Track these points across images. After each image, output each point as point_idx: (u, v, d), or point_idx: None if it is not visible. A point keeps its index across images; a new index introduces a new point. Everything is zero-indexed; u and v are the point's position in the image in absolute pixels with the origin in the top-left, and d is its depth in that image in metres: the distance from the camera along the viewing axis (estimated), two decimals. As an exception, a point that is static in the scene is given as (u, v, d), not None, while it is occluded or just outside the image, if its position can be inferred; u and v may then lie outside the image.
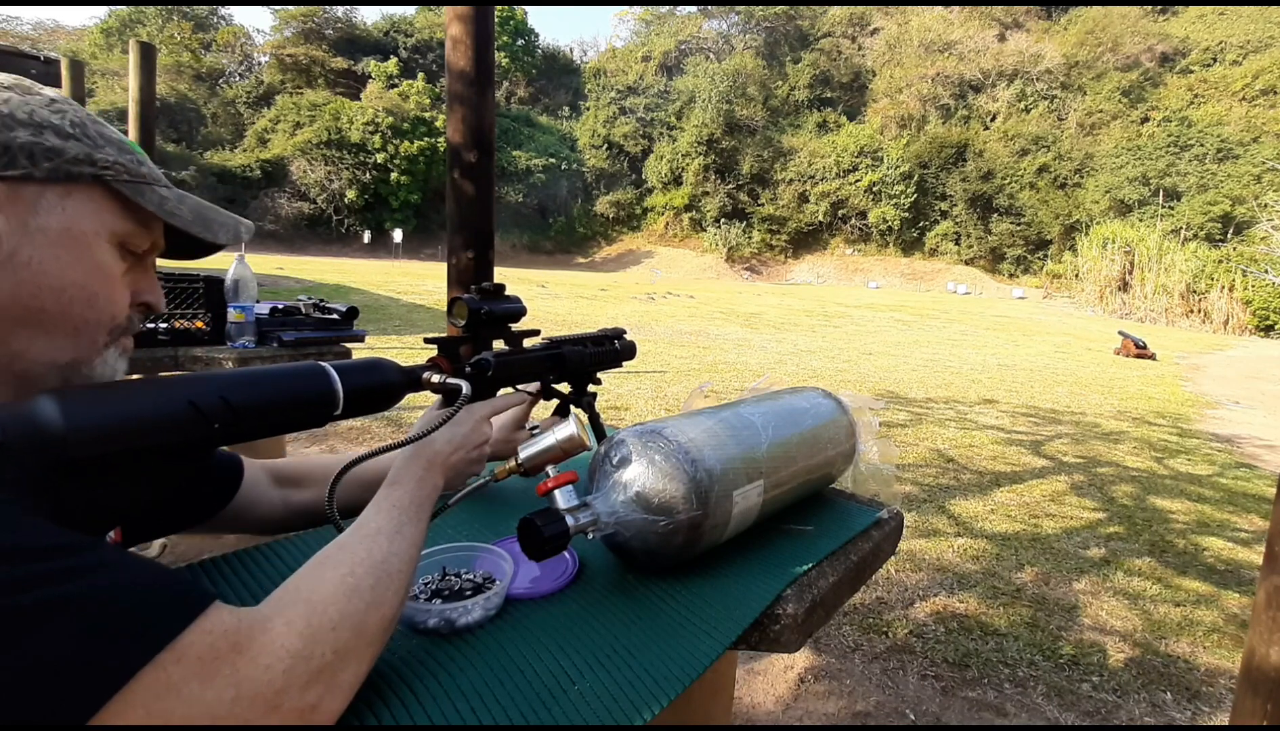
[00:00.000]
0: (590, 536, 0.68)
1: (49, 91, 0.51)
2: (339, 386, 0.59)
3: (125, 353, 0.55)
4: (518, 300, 0.85)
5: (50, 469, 0.43)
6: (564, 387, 1.01)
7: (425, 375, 0.70)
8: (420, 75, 37.62)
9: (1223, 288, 23.74)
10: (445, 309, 0.82)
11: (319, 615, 0.46)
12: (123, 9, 36.08)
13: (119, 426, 0.45)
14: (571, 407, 1.00)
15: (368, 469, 0.85)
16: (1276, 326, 22.66)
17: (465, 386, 0.71)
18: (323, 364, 0.59)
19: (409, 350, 6.95)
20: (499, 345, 0.85)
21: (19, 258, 0.46)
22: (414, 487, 0.62)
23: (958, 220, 36.27)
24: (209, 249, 0.62)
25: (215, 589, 0.67)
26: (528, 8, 46.06)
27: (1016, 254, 35.07)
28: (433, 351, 0.76)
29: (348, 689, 0.47)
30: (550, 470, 0.73)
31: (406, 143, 34.03)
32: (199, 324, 1.97)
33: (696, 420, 0.79)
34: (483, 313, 0.79)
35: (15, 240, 0.46)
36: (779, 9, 43.65)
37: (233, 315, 1.89)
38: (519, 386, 0.90)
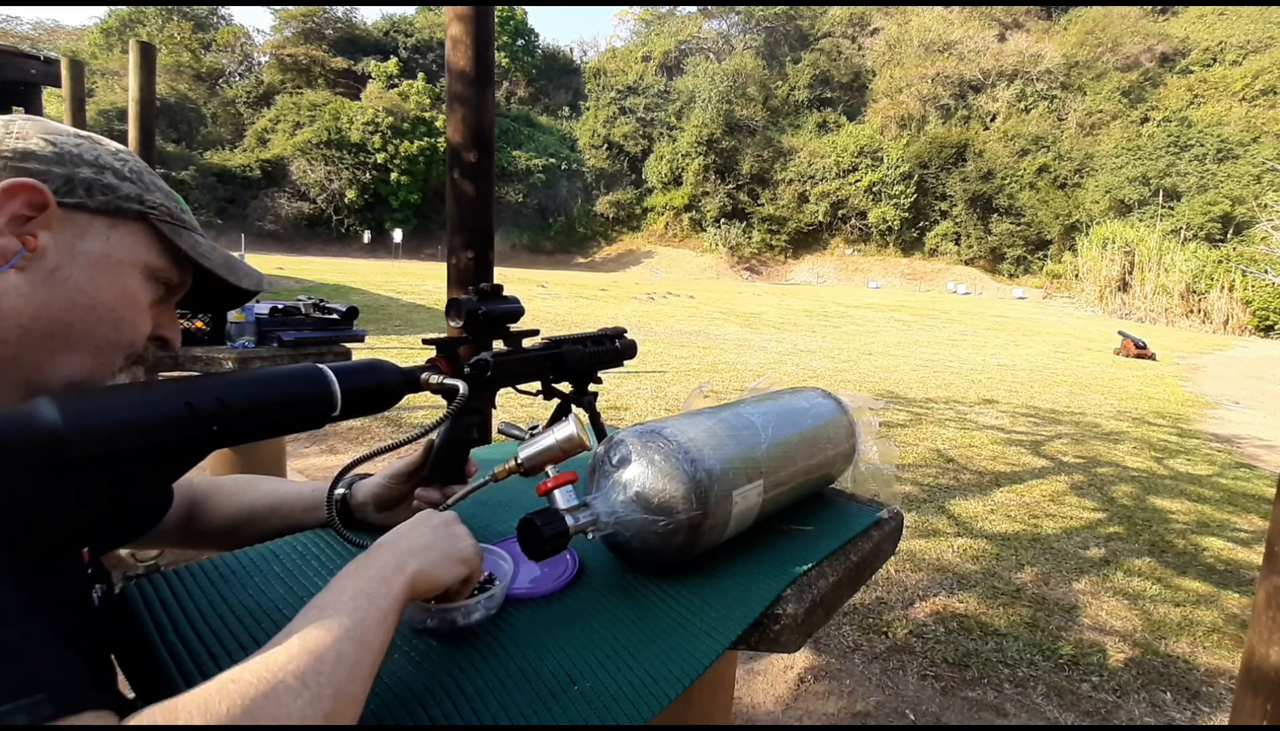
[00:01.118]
0: (590, 536, 0.68)
1: (115, 144, 0.57)
2: (336, 388, 0.59)
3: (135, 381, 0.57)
4: (516, 300, 0.85)
5: (47, 469, 0.43)
6: (565, 387, 1.01)
7: (424, 376, 0.71)
8: (420, 75, 37.62)
9: (1223, 288, 23.76)
10: (444, 310, 0.82)
11: None
12: (123, 9, 36.08)
13: (117, 427, 0.46)
14: (572, 407, 1.00)
15: (275, 490, 0.83)
16: (1276, 326, 22.67)
17: (462, 387, 0.71)
18: (320, 365, 0.60)
19: (409, 350, 6.96)
20: (498, 345, 0.85)
21: (59, 274, 0.50)
22: (353, 583, 0.50)
23: (958, 220, 36.27)
24: (229, 301, 0.67)
25: (207, 587, 0.67)
26: (528, 8, 46.07)
27: (1016, 254, 35.07)
28: (431, 352, 0.76)
29: None
30: (550, 470, 0.73)
31: (406, 143, 34.03)
32: (199, 324, 1.98)
33: (696, 420, 0.79)
34: (480, 313, 0.79)
35: (59, 258, 0.50)
36: (779, 9, 43.64)
37: (233, 315, 1.89)
38: (518, 387, 0.90)
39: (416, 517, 0.61)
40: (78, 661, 0.39)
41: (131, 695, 0.59)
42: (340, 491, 0.81)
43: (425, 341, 0.79)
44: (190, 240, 0.58)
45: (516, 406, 4.58)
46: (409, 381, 0.68)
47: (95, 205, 0.52)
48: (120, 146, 0.57)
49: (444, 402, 0.73)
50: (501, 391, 0.87)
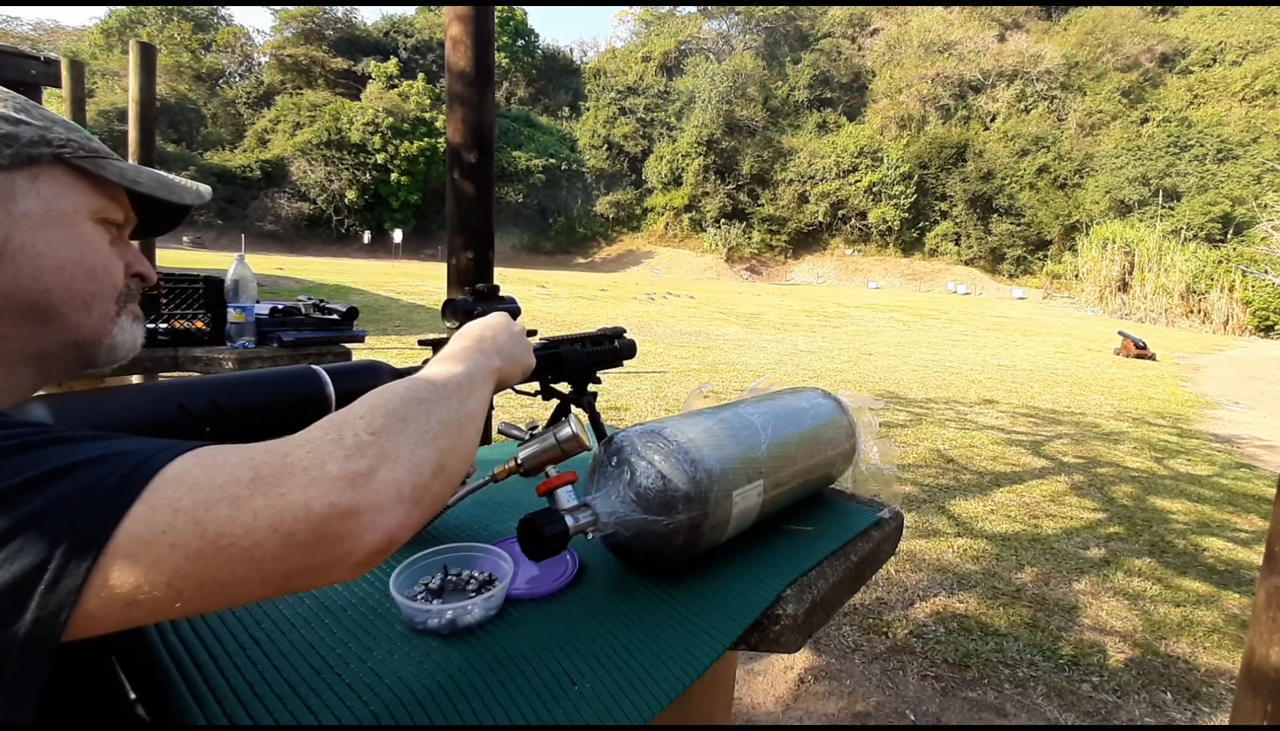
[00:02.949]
0: (590, 536, 0.68)
1: None
2: (331, 389, 0.59)
3: (137, 319, 0.57)
4: (513, 300, 0.85)
5: None
6: (564, 387, 1.00)
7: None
8: (420, 75, 37.63)
9: (1222, 288, 23.76)
10: (440, 309, 0.82)
11: (343, 416, 0.44)
12: (123, 9, 36.09)
13: (110, 428, 0.45)
14: (571, 407, 1.00)
15: None
16: (1276, 327, 22.67)
17: None
18: (314, 366, 0.60)
19: (409, 351, 6.96)
20: None
21: (13, 244, 0.47)
22: (459, 353, 0.59)
23: (958, 220, 36.29)
24: (174, 220, 0.63)
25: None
26: (528, 8, 46.08)
27: (1016, 254, 35.08)
28: (428, 354, 0.76)
29: (410, 463, 0.42)
30: (550, 470, 0.73)
31: (406, 143, 34.04)
32: (199, 324, 1.97)
33: (696, 420, 0.79)
34: (476, 313, 0.79)
35: (5, 228, 0.47)
36: (779, 9, 43.66)
37: (233, 315, 1.89)
38: (517, 387, 0.90)
39: (499, 319, 0.68)
40: None
41: (133, 695, 0.59)
42: None
43: (421, 342, 0.79)
44: (115, 168, 0.54)
45: (516, 406, 4.58)
46: None
47: (6, 161, 0.47)
48: None
49: None
50: (501, 391, 0.87)
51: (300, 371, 0.59)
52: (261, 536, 0.35)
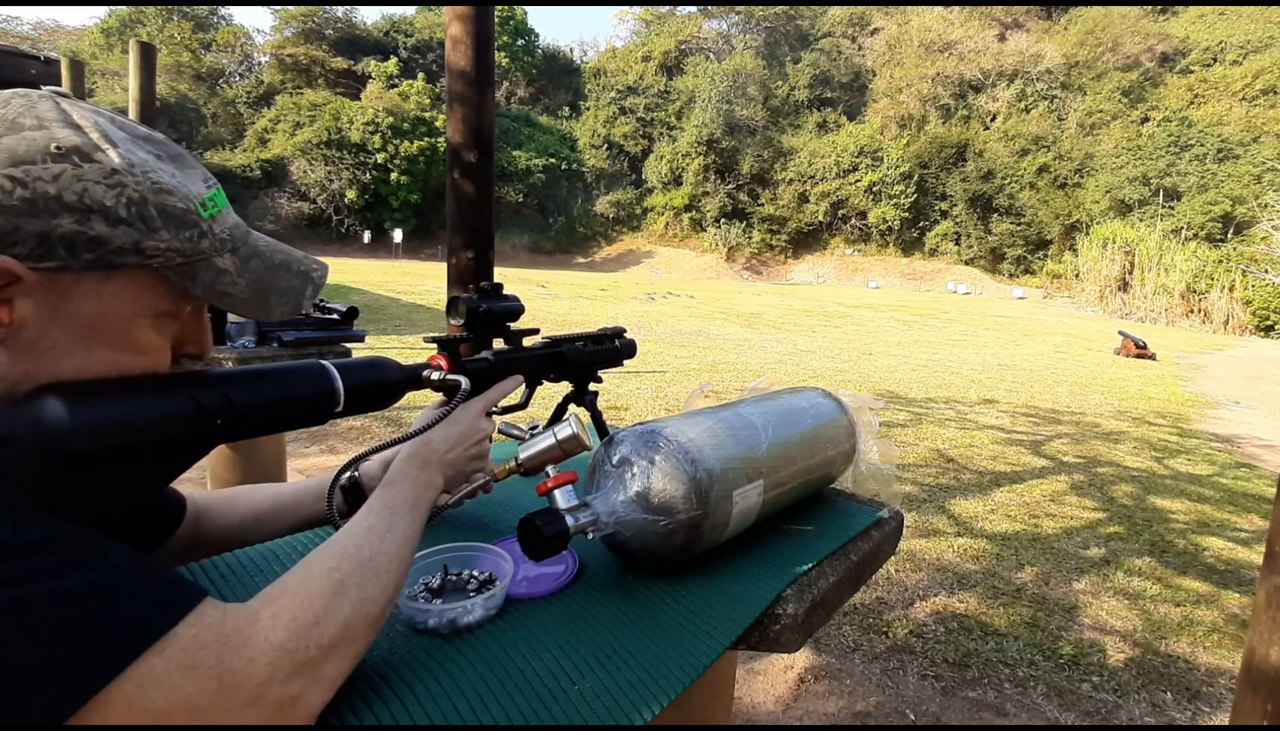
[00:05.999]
0: (590, 536, 0.68)
1: (115, 157, 0.44)
2: (339, 384, 0.59)
3: None
4: (516, 299, 0.85)
5: (55, 465, 0.43)
6: (565, 386, 1.01)
7: (425, 373, 0.71)
8: (420, 75, 37.58)
9: (1223, 288, 23.76)
10: (445, 309, 0.82)
11: (304, 610, 0.47)
12: (123, 9, 36.07)
13: (124, 421, 0.46)
14: (571, 407, 1.00)
15: (279, 491, 0.83)
16: (1276, 326, 22.66)
17: (465, 382, 0.71)
18: (324, 362, 0.60)
19: (409, 350, 6.96)
20: (499, 344, 0.85)
21: (45, 342, 0.43)
22: (407, 487, 0.62)
23: (958, 220, 36.26)
24: None
25: (208, 587, 0.67)
26: (528, 8, 46.06)
27: (1016, 254, 35.06)
28: (433, 350, 0.76)
29: (329, 683, 0.47)
30: (550, 470, 0.73)
31: (406, 143, 34.01)
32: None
33: (696, 420, 0.79)
34: (481, 311, 0.79)
35: (42, 326, 0.43)
36: (779, 9, 43.63)
37: (233, 315, 1.89)
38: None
39: (459, 434, 0.72)
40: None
41: None
42: (349, 476, 0.81)
43: (427, 340, 0.79)
44: (209, 276, 0.48)
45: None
46: (411, 378, 0.69)
47: (80, 265, 0.43)
48: (121, 161, 0.44)
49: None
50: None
51: (311, 367, 0.59)
52: None
